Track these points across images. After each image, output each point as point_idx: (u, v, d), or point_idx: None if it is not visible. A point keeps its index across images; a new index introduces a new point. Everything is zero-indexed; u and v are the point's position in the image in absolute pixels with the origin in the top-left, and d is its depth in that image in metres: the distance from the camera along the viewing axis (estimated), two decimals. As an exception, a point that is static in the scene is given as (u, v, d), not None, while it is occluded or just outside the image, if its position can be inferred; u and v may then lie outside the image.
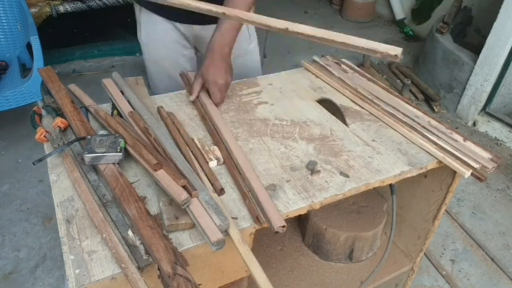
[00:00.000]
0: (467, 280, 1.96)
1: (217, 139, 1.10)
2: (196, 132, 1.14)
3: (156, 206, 0.90)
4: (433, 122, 1.22)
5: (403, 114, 1.23)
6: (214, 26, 1.26)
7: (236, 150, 1.04)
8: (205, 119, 1.17)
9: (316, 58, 1.50)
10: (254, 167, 1.02)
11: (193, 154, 1.04)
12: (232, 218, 0.88)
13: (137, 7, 1.49)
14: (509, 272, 2.00)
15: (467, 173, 1.06)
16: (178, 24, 1.45)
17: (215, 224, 0.82)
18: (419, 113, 1.25)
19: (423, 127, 1.19)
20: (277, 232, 0.86)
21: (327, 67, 1.45)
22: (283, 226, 0.86)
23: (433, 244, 2.11)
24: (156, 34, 1.48)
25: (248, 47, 1.56)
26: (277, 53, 3.70)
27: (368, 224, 1.36)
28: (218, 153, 1.04)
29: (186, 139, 1.07)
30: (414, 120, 1.21)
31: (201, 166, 1.00)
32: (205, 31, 1.42)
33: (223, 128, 1.12)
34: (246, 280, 1.04)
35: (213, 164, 1.02)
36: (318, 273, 1.38)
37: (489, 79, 2.83)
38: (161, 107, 1.19)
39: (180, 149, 1.03)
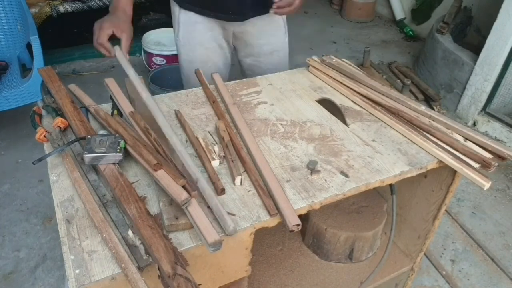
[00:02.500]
0: (467, 280, 1.96)
1: (233, 135, 1.12)
2: (196, 131, 1.14)
3: (156, 206, 0.90)
4: (434, 123, 1.22)
5: (403, 114, 1.23)
6: (252, 20, 1.48)
7: (254, 148, 1.06)
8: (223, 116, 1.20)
9: (316, 58, 1.50)
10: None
11: (196, 152, 1.05)
12: (229, 213, 0.89)
13: (176, 8, 1.53)
14: (509, 272, 2.00)
15: (487, 185, 1.03)
16: (218, 23, 1.52)
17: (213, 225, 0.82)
18: (419, 113, 1.25)
19: (423, 127, 1.19)
20: (292, 231, 0.86)
21: (327, 67, 1.45)
22: (298, 225, 0.86)
23: (433, 244, 2.10)
24: (195, 34, 1.54)
25: (284, 40, 1.65)
26: (277, 53, 3.70)
27: (368, 224, 1.36)
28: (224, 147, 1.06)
29: (191, 137, 1.09)
30: (414, 120, 1.21)
31: (203, 165, 1.01)
32: (244, 25, 1.52)
33: (243, 127, 1.14)
34: (246, 280, 1.04)
35: (215, 163, 1.02)
36: (318, 273, 1.38)
37: (489, 79, 2.83)
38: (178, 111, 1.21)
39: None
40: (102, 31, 1.31)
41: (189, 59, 1.60)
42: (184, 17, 1.52)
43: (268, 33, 1.59)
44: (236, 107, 1.23)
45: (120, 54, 1.27)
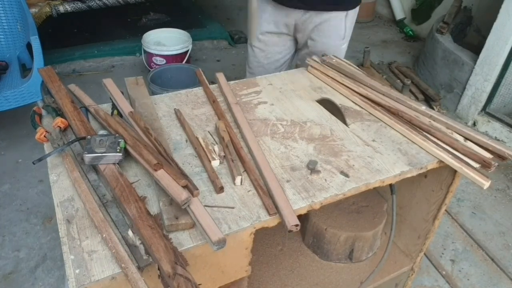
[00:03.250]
0: (467, 280, 1.96)
1: (233, 134, 1.13)
2: (196, 131, 1.15)
3: (156, 206, 0.90)
4: (434, 123, 1.22)
5: (403, 114, 1.23)
6: (313, 17, 1.57)
7: (256, 148, 1.06)
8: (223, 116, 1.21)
9: (316, 58, 1.50)
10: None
11: (196, 152, 1.05)
12: (229, 207, 0.89)
13: None
14: (509, 272, 2.00)
15: (486, 184, 1.04)
16: (286, 10, 1.61)
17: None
18: (419, 113, 1.25)
19: (423, 127, 1.19)
20: (290, 231, 0.86)
21: (327, 67, 1.45)
22: (297, 225, 0.86)
23: (433, 244, 2.10)
24: (260, 21, 1.65)
25: (340, 46, 1.71)
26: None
27: (368, 224, 1.36)
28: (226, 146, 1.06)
29: (191, 136, 1.09)
30: (414, 120, 1.21)
31: (203, 165, 1.01)
32: (305, 19, 1.62)
33: (245, 126, 1.14)
34: (246, 280, 1.04)
35: (215, 163, 1.02)
36: (318, 273, 1.38)
37: (489, 79, 2.83)
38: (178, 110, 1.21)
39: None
40: None
41: (250, 43, 1.76)
42: (255, 4, 1.66)
43: (324, 33, 1.65)
44: (239, 107, 1.23)
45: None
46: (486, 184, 1.03)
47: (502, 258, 2.07)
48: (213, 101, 1.26)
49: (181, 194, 0.84)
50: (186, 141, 1.11)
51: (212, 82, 1.39)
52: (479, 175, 1.04)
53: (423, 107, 1.25)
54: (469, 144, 1.14)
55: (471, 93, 2.98)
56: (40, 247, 1.96)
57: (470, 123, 3.03)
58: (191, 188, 0.86)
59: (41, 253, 1.93)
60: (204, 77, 1.37)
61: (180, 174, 0.90)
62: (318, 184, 1.00)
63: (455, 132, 1.19)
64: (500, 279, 1.98)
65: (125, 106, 1.13)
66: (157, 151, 0.98)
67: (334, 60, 1.50)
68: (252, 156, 1.05)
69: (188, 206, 0.84)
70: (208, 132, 1.15)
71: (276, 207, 0.90)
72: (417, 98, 3.22)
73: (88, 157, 0.92)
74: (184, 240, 0.83)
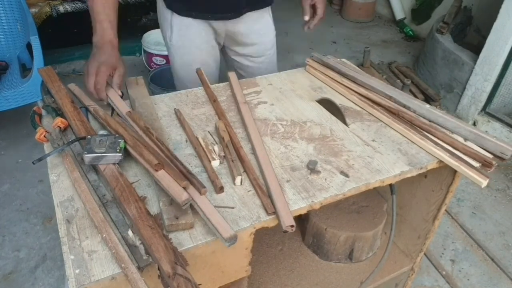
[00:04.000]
0: (467, 280, 1.96)
1: (232, 133, 1.13)
2: (196, 131, 1.15)
3: (156, 206, 0.90)
4: (433, 123, 1.22)
5: (404, 114, 1.23)
6: (244, 17, 1.50)
7: (259, 148, 1.07)
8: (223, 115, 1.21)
9: (317, 54, 1.50)
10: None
11: (196, 152, 1.05)
12: (229, 208, 0.89)
13: (167, 12, 1.53)
14: (509, 272, 2.00)
15: (484, 182, 1.04)
16: (211, 23, 1.53)
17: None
18: (419, 112, 1.25)
19: (424, 126, 1.19)
20: (285, 231, 0.86)
21: (327, 67, 1.45)
22: (292, 226, 0.86)
23: (433, 244, 2.11)
24: (189, 37, 1.55)
25: (274, 40, 1.71)
26: (277, 53, 3.70)
27: (368, 224, 1.36)
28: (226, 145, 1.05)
29: (191, 136, 1.09)
30: (414, 120, 1.21)
31: (203, 165, 1.01)
32: (237, 25, 1.54)
33: (251, 126, 1.15)
34: (246, 280, 1.04)
35: (215, 163, 1.02)
36: (318, 273, 1.38)
37: (489, 79, 2.83)
38: (178, 110, 1.21)
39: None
40: (101, 75, 1.14)
41: (184, 62, 1.60)
42: (177, 21, 1.53)
43: (260, 33, 1.63)
44: (247, 106, 1.23)
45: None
46: (484, 182, 1.03)
47: (502, 258, 2.07)
48: (213, 101, 1.26)
49: (181, 195, 0.84)
50: (186, 141, 1.11)
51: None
52: (477, 173, 1.04)
53: (427, 106, 1.25)
54: (469, 143, 1.14)
55: (471, 93, 2.98)
56: (40, 247, 1.96)
57: (470, 123, 3.03)
58: (198, 186, 0.86)
59: (41, 253, 1.93)
60: (205, 76, 1.37)
61: (182, 174, 0.90)
62: (318, 184, 1.00)
63: (456, 133, 1.19)
64: (500, 279, 1.98)
65: (122, 107, 1.13)
66: (160, 150, 0.98)
67: (336, 60, 1.50)
68: (255, 155, 1.05)
69: (197, 204, 0.85)
70: (208, 132, 1.15)
71: (274, 207, 0.90)
72: (417, 98, 3.23)
73: (88, 157, 0.92)
74: (184, 240, 0.83)
